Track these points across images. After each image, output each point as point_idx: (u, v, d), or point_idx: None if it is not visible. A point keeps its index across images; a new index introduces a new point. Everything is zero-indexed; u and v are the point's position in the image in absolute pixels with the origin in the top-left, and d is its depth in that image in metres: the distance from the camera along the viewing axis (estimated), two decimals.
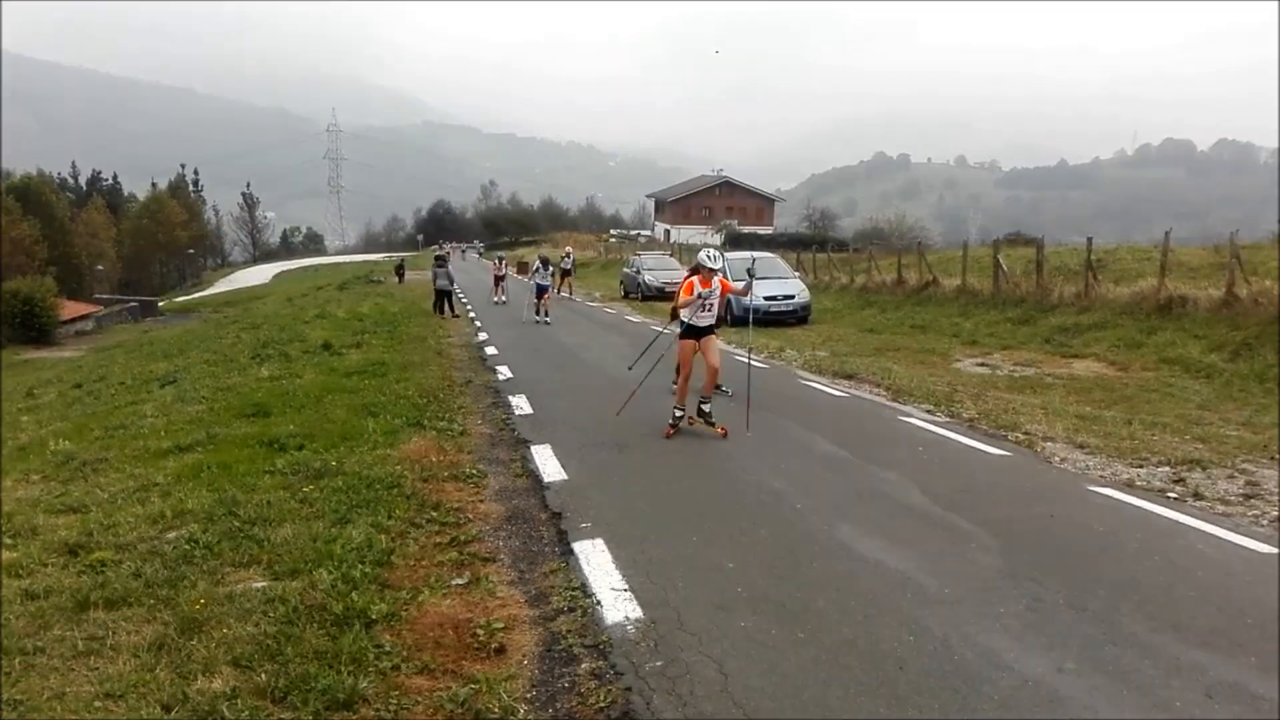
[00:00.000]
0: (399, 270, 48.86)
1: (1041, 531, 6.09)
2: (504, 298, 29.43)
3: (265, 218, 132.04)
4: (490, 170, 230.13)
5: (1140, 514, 6.55)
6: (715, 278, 9.27)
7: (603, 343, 18.17)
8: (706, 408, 9.34)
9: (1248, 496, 7.11)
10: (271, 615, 4.56)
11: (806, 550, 5.66)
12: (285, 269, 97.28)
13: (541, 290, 22.71)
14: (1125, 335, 15.96)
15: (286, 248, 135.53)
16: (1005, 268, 22.20)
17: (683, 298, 9.25)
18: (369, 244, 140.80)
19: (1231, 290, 15.51)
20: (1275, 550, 5.75)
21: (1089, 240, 20.81)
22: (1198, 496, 7.10)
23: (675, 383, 9.73)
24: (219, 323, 37.13)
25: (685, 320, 9.37)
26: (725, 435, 8.98)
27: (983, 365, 15.40)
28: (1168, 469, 7.95)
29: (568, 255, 34.56)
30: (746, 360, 11.65)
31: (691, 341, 9.37)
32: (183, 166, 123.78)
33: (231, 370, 14.94)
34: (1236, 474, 7.80)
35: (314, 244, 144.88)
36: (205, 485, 7.04)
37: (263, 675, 3.96)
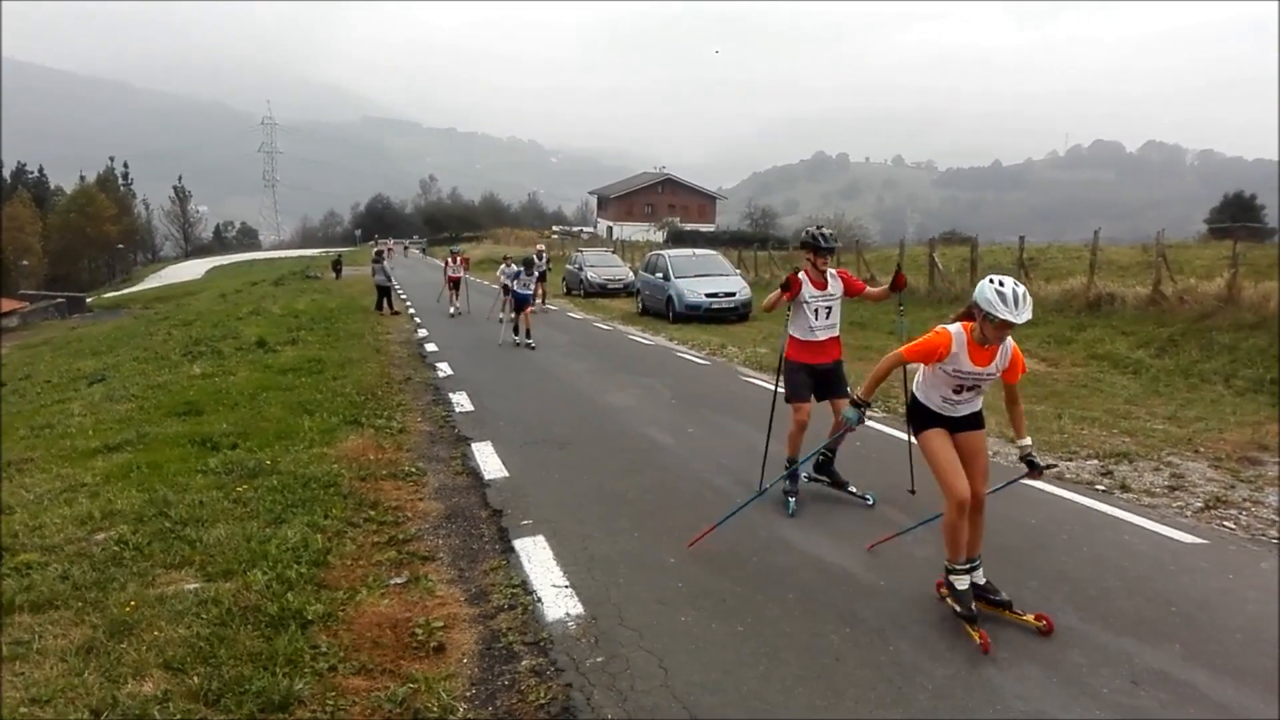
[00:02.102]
0: (336, 266, 48.11)
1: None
2: (460, 307, 23.83)
3: (198, 212, 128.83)
4: (431, 165, 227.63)
5: (1070, 506, 6.72)
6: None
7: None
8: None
9: (1172, 488, 7.33)
10: (204, 617, 4.47)
11: (747, 546, 5.71)
12: (219, 264, 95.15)
13: (522, 302, 17.08)
14: (1056, 332, 16.35)
15: (220, 243, 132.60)
16: (941, 266, 22.61)
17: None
18: (306, 239, 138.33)
19: (1158, 289, 15.99)
20: (1199, 541, 5.95)
21: (1021, 239, 21.28)
22: (1125, 489, 7.30)
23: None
24: (150, 319, 36.20)
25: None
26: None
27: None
28: (1096, 462, 8.17)
29: (540, 254, 25.68)
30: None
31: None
32: (111, 160, 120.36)
33: (163, 368, 14.59)
34: (1162, 466, 8.04)
35: (248, 239, 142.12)
36: (135, 485, 6.87)
37: (195, 678, 3.88)
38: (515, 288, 17.15)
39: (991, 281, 4.42)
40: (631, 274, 31.71)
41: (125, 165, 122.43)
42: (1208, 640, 4.35)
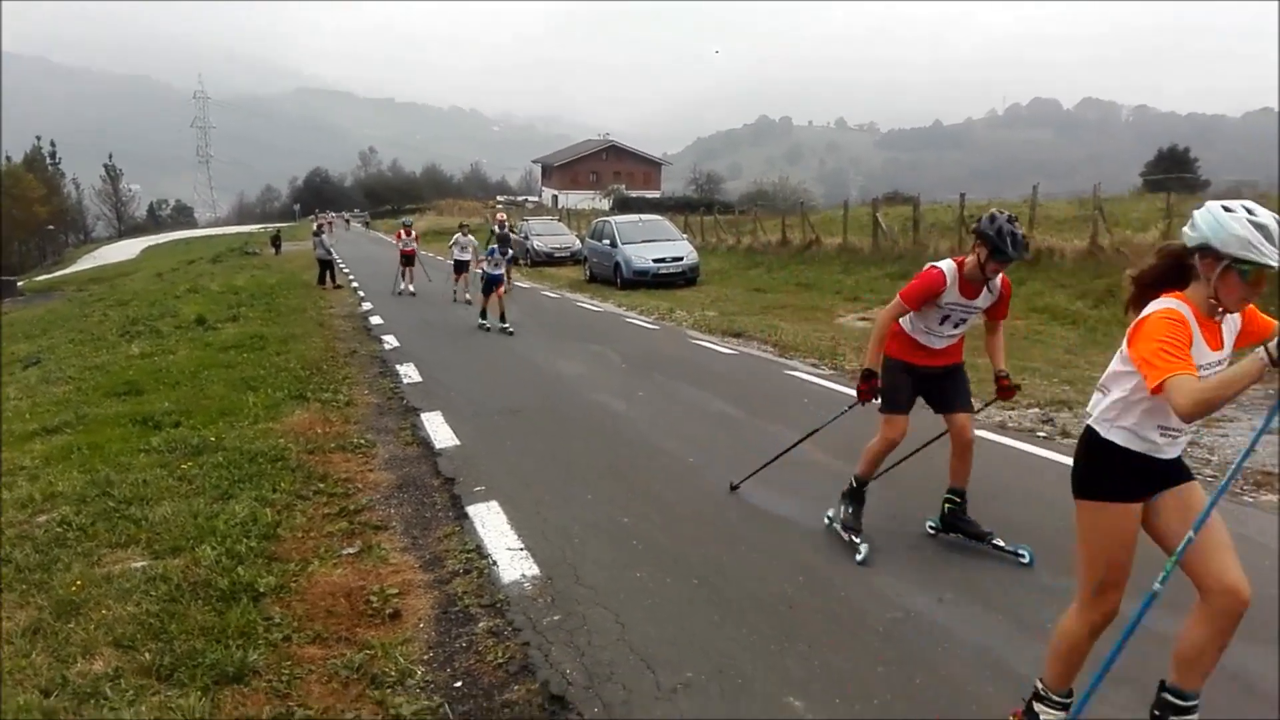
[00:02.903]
0: (275, 241, 47.17)
1: (922, 473, 6.32)
2: (411, 286, 21.44)
3: (130, 190, 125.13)
4: (369, 137, 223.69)
5: (1013, 454, 6.88)
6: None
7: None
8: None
9: None
10: (153, 594, 4.39)
11: (700, 504, 5.76)
12: (154, 243, 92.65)
13: (493, 283, 14.58)
14: None
15: (154, 221, 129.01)
16: (884, 226, 22.83)
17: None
18: (243, 216, 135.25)
19: (1095, 241, 16.33)
20: None
21: (962, 196, 21.56)
22: (1065, 435, 7.48)
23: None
24: (84, 301, 35.21)
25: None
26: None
27: (864, 320, 15.85)
28: (1037, 410, 8.35)
29: (502, 224, 21.20)
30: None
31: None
32: (38, 139, 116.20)
33: (100, 349, 14.23)
34: None
35: (183, 217, 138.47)
36: (76, 467, 6.71)
37: (147, 654, 3.82)
38: (486, 268, 14.80)
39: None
40: (578, 242, 31.54)
41: (53, 144, 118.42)
42: (1149, 577, 4.48)
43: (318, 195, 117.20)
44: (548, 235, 33.06)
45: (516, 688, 3.63)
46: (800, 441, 5.80)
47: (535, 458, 7.01)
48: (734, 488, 5.83)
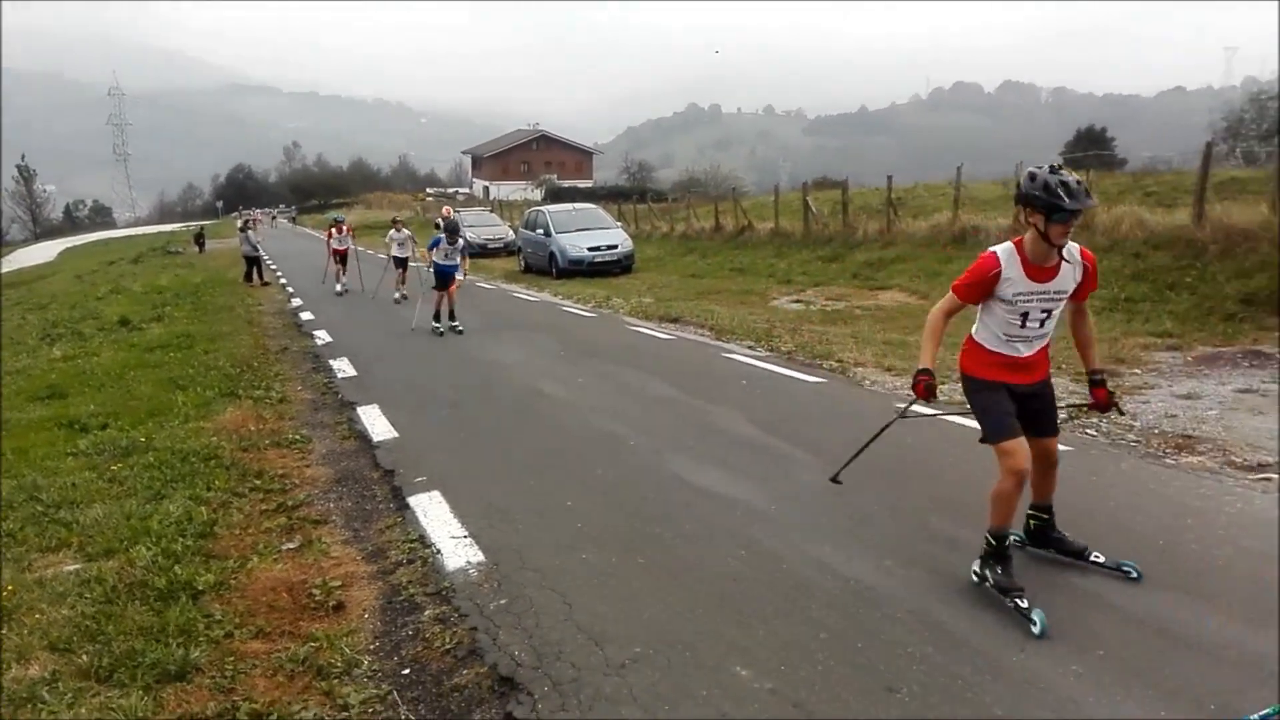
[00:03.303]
0: (199, 239, 46.02)
1: (856, 448, 6.45)
2: (346, 283, 20.06)
3: (45, 191, 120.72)
4: (293, 131, 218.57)
5: (945, 427, 7.02)
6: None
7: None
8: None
9: None
10: (88, 596, 4.30)
11: (643, 484, 5.80)
12: (72, 244, 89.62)
13: (445, 277, 13.25)
14: (925, 266, 16.96)
15: (72, 223, 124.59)
16: (815, 209, 23.10)
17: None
18: (164, 214, 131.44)
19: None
20: (1065, 448, 6.28)
21: (889, 178, 21.89)
22: None
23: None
24: (1, 306, 33.98)
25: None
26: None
27: (798, 302, 16.05)
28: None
29: (447, 217, 19.44)
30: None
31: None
32: None
33: (19, 353, 13.75)
34: None
35: (102, 217, 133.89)
36: (1, 472, 6.51)
37: (84, 656, 3.75)
38: (435, 259, 13.31)
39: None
40: (511, 233, 31.31)
41: None
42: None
43: (241, 192, 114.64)
44: (480, 226, 32.77)
45: (465, 672, 3.63)
46: (884, 430, 4.89)
47: (476, 447, 6.98)
48: (834, 479, 4.78)
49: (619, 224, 26.98)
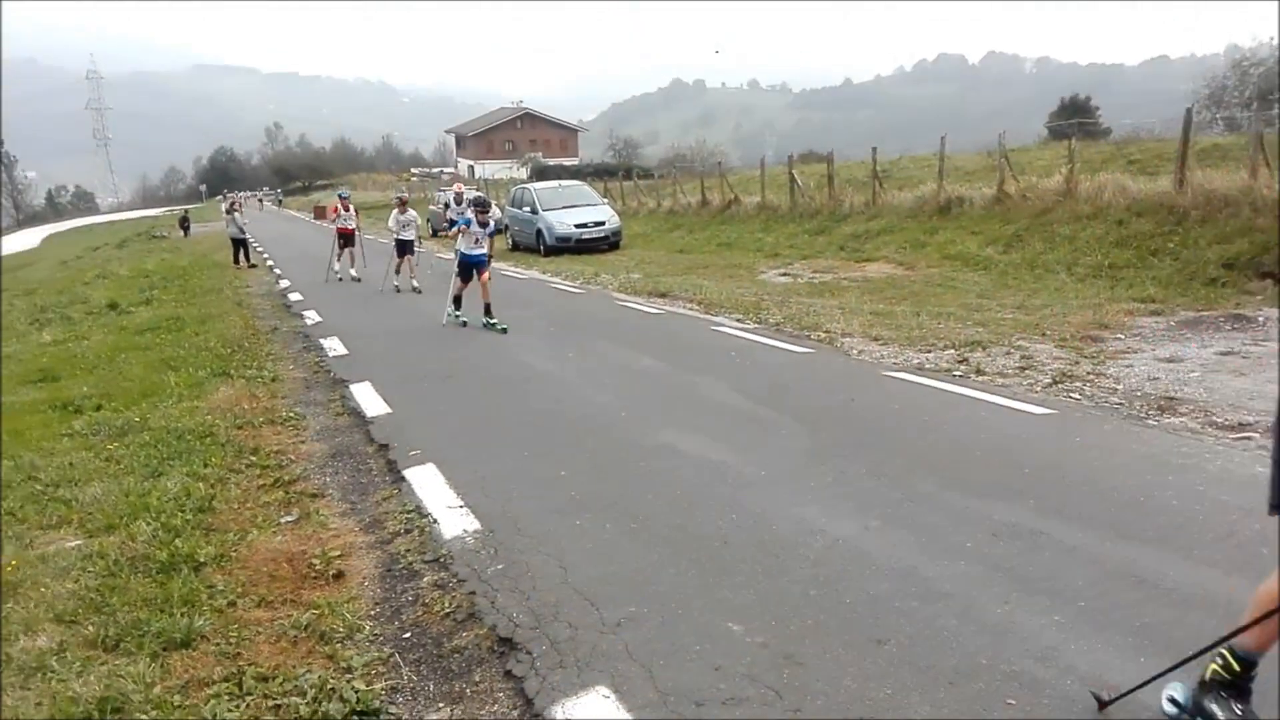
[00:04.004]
0: (184, 224, 45.84)
1: (843, 414, 6.58)
2: (353, 270, 18.27)
3: (26, 178, 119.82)
4: (274, 113, 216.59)
5: (930, 392, 7.16)
6: None
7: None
8: None
9: (1023, 369, 7.88)
10: (91, 570, 4.37)
11: (633, 453, 5.89)
12: (56, 231, 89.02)
13: (472, 266, 11.40)
14: (911, 237, 17.07)
15: (54, 209, 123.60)
16: (800, 183, 23.15)
17: None
18: (147, 199, 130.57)
19: (1002, 188, 16.82)
20: (1048, 411, 6.44)
21: (874, 150, 21.95)
22: (979, 372, 7.81)
23: None
24: None
25: None
26: None
27: (785, 275, 16.13)
28: (953, 351, 8.67)
29: (460, 197, 20.04)
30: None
31: None
32: None
33: (9, 338, 13.74)
34: (1012, 350, 8.60)
35: (84, 203, 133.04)
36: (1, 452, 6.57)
37: (90, 627, 3.82)
38: (461, 247, 11.36)
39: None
40: (498, 211, 31.27)
41: None
42: (1057, 494, 4.77)
43: (224, 175, 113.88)
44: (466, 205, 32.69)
45: (465, 634, 3.73)
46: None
47: (469, 420, 7.06)
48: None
49: (605, 201, 26.97)
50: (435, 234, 32.52)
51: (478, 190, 42.18)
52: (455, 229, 11.74)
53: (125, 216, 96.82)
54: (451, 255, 12.22)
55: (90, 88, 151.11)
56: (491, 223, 11.50)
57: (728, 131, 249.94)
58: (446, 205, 17.87)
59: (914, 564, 4.02)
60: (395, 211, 16.20)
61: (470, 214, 11.19)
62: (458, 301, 11.72)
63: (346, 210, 18.36)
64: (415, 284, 15.86)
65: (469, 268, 11.37)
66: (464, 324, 11.54)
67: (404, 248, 16.08)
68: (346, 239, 18.29)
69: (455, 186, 18.71)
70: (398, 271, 16.15)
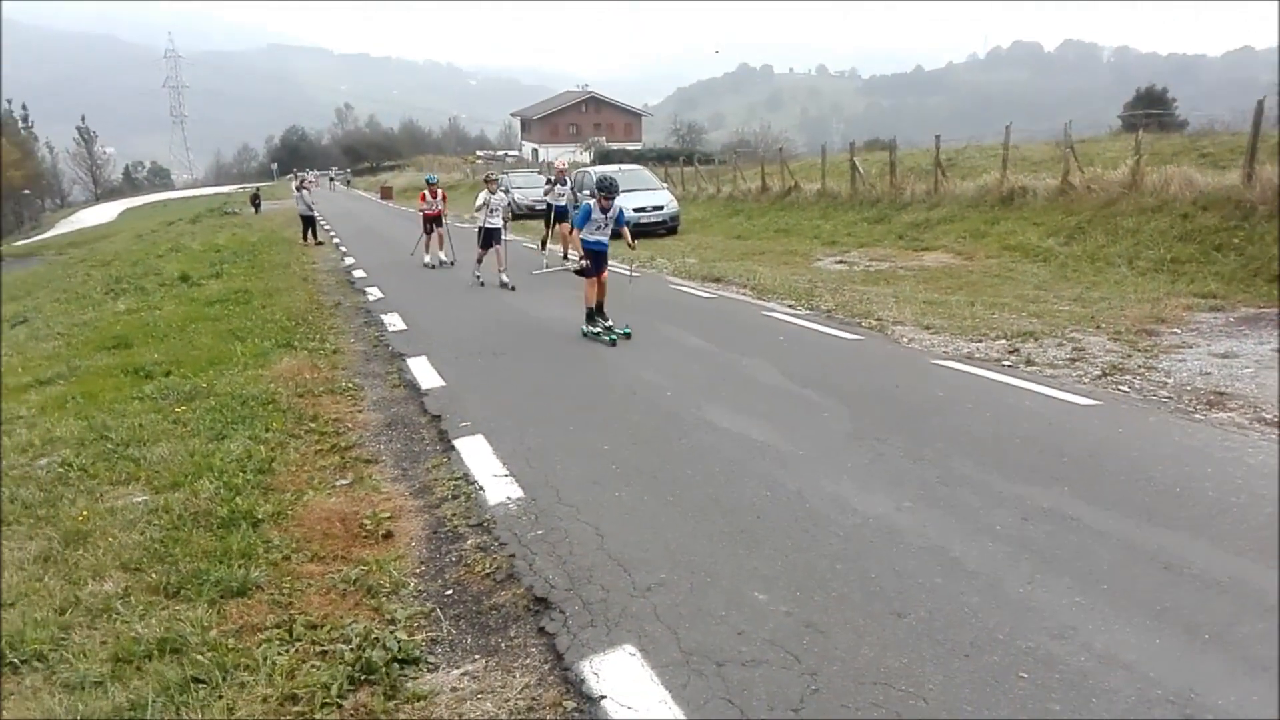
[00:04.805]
0: (255, 201, 46.90)
1: (886, 399, 6.62)
2: (443, 254, 17.27)
3: (105, 153, 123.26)
4: (345, 93, 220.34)
5: (976, 380, 7.17)
6: None
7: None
8: None
9: (1073, 360, 7.83)
10: (156, 523, 4.65)
11: (675, 429, 6.03)
12: (132, 205, 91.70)
13: (599, 258, 9.60)
14: (971, 227, 16.87)
15: (131, 184, 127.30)
16: (862, 171, 22.96)
17: None
18: (220, 176, 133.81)
19: (1066, 179, 16.52)
20: (1094, 402, 6.42)
21: (937, 139, 21.67)
22: (1029, 363, 7.78)
23: None
24: (66, 264, 35.05)
25: None
26: None
27: (841, 263, 16.07)
28: (1004, 341, 8.63)
29: (562, 174, 17.55)
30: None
31: None
32: (9, 101, 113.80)
33: (86, 307, 14.37)
34: (1065, 342, 8.54)
35: (160, 179, 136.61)
36: (72, 414, 6.95)
37: (153, 575, 4.09)
38: (585, 236, 9.53)
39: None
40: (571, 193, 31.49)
41: (24, 107, 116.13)
42: (1093, 481, 4.80)
43: (294, 154, 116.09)
44: (528, 189, 32.94)
45: (503, 593, 3.91)
46: None
47: (518, 395, 7.25)
48: None
49: (665, 185, 27.02)
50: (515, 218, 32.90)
51: (539, 173, 42.57)
52: (573, 230, 10.40)
53: (199, 193, 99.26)
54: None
55: (168, 65, 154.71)
56: (615, 209, 9.58)
57: (794, 116, 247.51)
58: (549, 186, 16.33)
59: (942, 543, 4.10)
60: (484, 192, 14.35)
61: (591, 201, 9.63)
62: (599, 310, 9.60)
63: (434, 196, 17.51)
64: (505, 278, 13.83)
65: (597, 257, 9.54)
66: (617, 340, 9.07)
67: (490, 237, 14.11)
68: (434, 223, 17.42)
69: (558, 163, 16.64)
70: (479, 262, 14.50)
